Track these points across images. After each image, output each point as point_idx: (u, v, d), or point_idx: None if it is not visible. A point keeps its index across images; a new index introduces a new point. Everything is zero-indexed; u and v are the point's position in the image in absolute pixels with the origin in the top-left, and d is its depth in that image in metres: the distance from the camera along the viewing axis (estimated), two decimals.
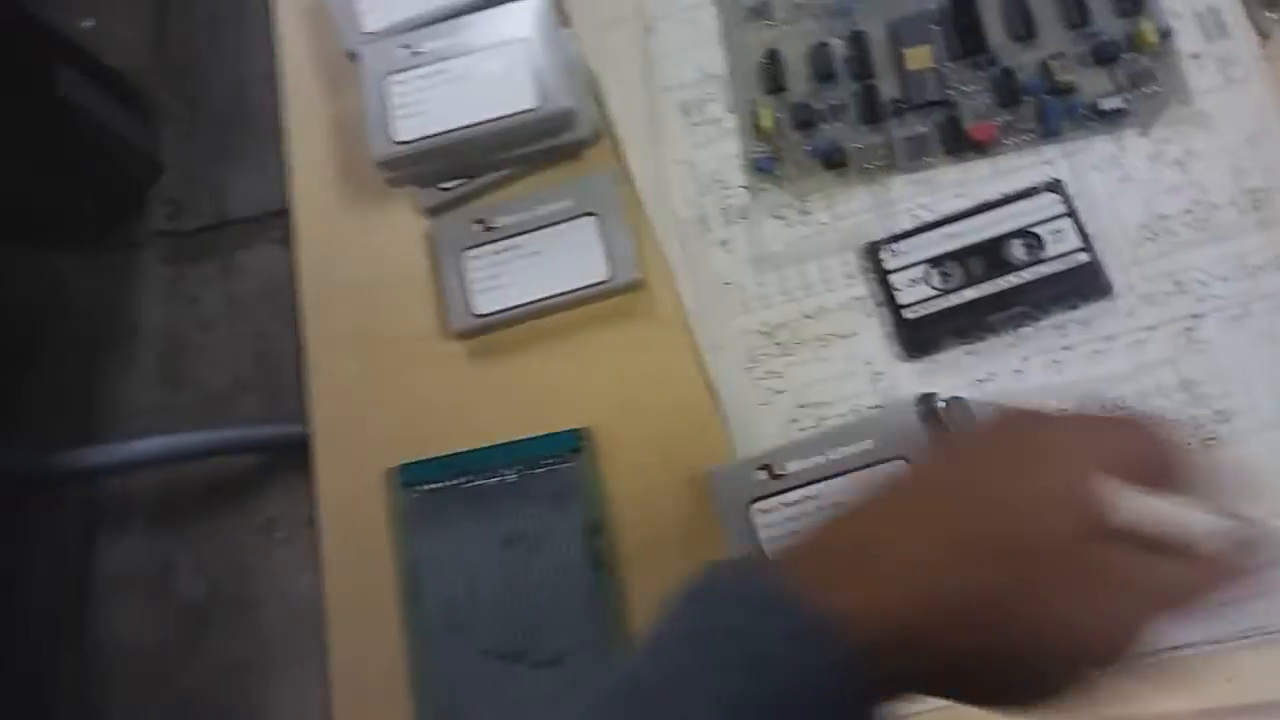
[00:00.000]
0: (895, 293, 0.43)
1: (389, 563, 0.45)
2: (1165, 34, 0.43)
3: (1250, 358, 0.41)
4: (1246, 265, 0.42)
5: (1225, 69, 0.43)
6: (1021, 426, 0.29)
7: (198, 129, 1.34)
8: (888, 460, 0.40)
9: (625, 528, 0.44)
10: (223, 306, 1.27)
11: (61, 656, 1.17)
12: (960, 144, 0.44)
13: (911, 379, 0.43)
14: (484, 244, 0.47)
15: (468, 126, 0.46)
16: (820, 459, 0.40)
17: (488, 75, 0.46)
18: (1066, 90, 0.44)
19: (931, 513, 0.28)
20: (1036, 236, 0.43)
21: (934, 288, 0.43)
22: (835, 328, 0.44)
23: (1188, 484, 0.27)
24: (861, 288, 0.44)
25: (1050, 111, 0.44)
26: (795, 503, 0.41)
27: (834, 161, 0.45)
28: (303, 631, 1.11)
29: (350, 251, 0.51)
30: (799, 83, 0.47)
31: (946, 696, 0.28)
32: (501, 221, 0.47)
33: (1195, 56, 0.44)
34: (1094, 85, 0.44)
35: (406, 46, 0.47)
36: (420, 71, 0.47)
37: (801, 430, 0.44)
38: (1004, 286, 0.42)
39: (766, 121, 0.46)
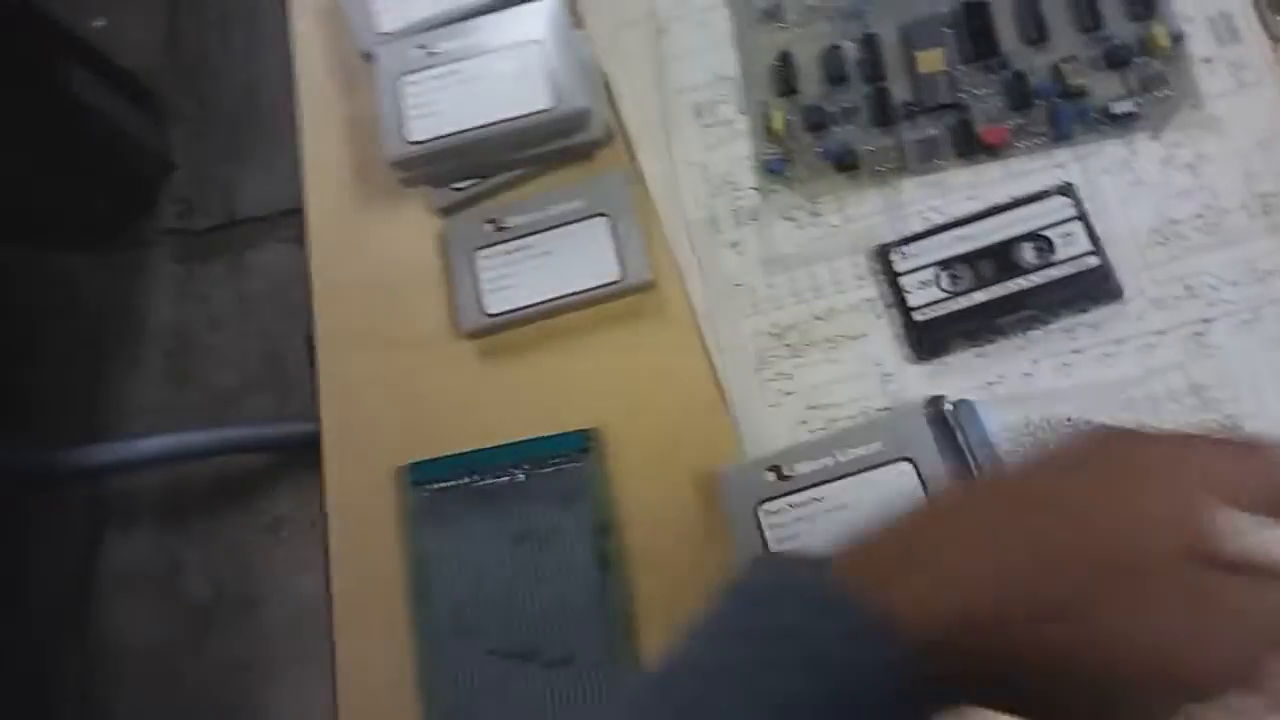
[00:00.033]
0: (905, 295, 0.44)
1: (397, 561, 0.46)
2: (1177, 38, 0.44)
3: (1260, 363, 0.41)
4: (1257, 270, 0.42)
5: (1237, 73, 0.43)
6: (1125, 444, 0.28)
7: (208, 128, 1.34)
8: (896, 462, 0.40)
9: (633, 528, 0.44)
10: (232, 306, 1.27)
11: (66, 655, 1.17)
12: (971, 147, 0.44)
13: (921, 381, 0.43)
14: (496, 244, 0.47)
15: (481, 127, 0.46)
16: (829, 460, 0.41)
17: (502, 76, 0.46)
18: (1078, 94, 0.44)
19: (1008, 519, 0.26)
20: (1047, 240, 0.43)
21: (944, 290, 0.43)
22: (845, 329, 0.44)
23: None
24: (872, 290, 0.45)
25: (1062, 115, 0.44)
26: (803, 504, 0.41)
27: (845, 164, 0.45)
28: (308, 631, 1.11)
29: (362, 251, 0.51)
30: (811, 85, 0.47)
31: (1009, 714, 0.27)
32: (513, 221, 0.48)
33: (1207, 61, 0.44)
34: (1106, 89, 0.44)
35: (421, 47, 0.47)
36: (434, 72, 0.47)
37: (811, 432, 0.44)
38: (1014, 289, 0.43)
39: (778, 123, 0.46)
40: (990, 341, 0.43)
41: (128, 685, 1.16)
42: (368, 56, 0.49)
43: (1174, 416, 0.41)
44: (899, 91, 0.46)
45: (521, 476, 0.45)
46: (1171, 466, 0.26)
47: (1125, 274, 0.42)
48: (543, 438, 0.45)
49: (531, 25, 0.47)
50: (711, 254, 0.47)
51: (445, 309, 0.49)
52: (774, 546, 0.40)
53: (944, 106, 0.45)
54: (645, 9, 0.50)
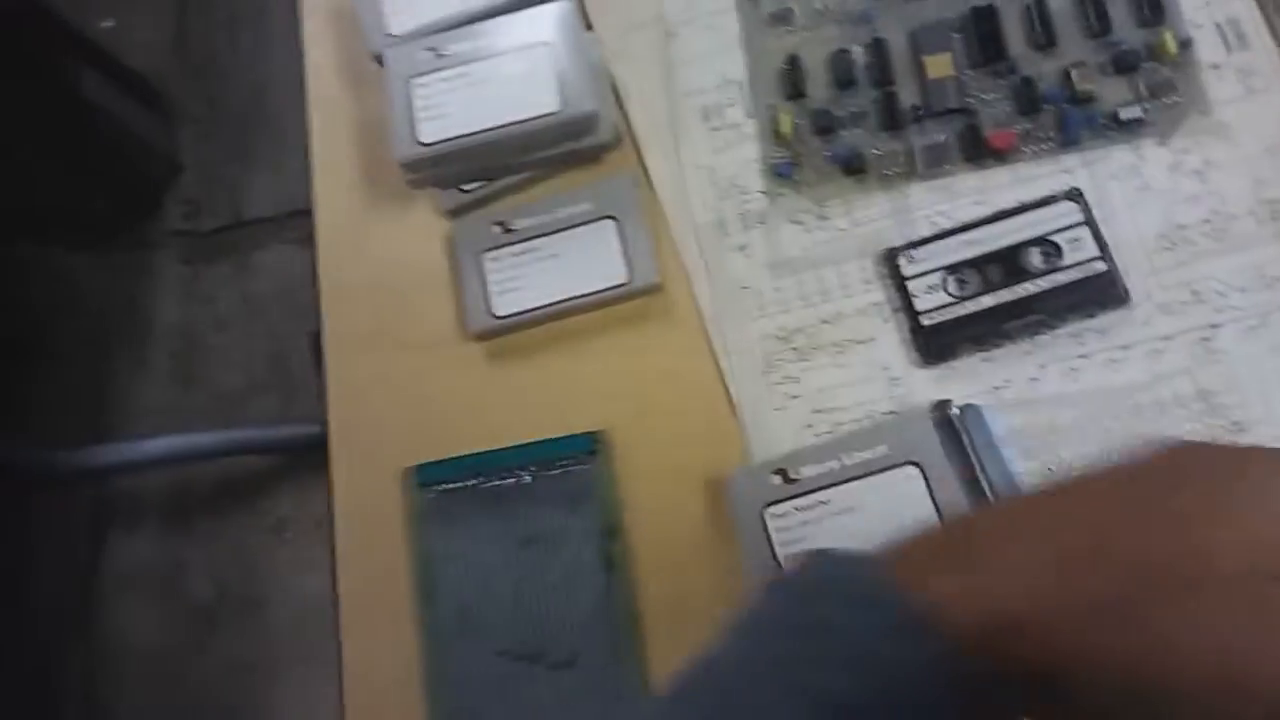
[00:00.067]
0: (913, 299, 0.44)
1: (404, 562, 0.46)
2: (1185, 44, 0.44)
3: (1268, 368, 0.41)
4: (1265, 276, 0.42)
5: (1245, 79, 0.44)
6: (1196, 454, 0.27)
7: (216, 129, 1.35)
8: (903, 466, 0.40)
9: (640, 530, 0.44)
10: (238, 307, 1.28)
11: (70, 655, 1.18)
12: (979, 152, 0.45)
13: (928, 385, 0.43)
14: (503, 246, 0.48)
15: (490, 129, 0.46)
16: (835, 464, 0.41)
17: (511, 78, 0.47)
18: (1086, 99, 0.44)
19: (1065, 520, 0.26)
20: (1054, 245, 0.43)
21: (951, 294, 0.43)
22: (852, 333, 0.45)
23: None
24: (879, 294, 0.45)
25: (1070, 120, 0.44)
26: (809, 507, 0.41)
27: (853, 168, 0.46)
28: (311, 632, 1.11)
29: (370, 252, 0.51)
30: (819, 89, 0.47)
31: None
32: (521, 224, 0.48)
33: (1215, 67, 0.44)
34: (1114, 95, 0.44)
35: (431, 49, 0.48)
36: (444, 74, 0.47)
37: (817, 435, 0.44)
38: (1021, 294, 0.43)
39: (786, 127, 0.46)
40: (997, 346, 0.43)
41: (131, 685, 1.16)
42: (378, 58, 0.49)
43: (1181, 422, 0.41)
44: (907, 96, 0.46)
45: (528, 478, 0.45)
46: (1244, 479, 0.26)
47: (1132, 279, 0.42)
48: (549, 440, 0.45)
49: (541, 28, 0.47)
50: (719, 257, 0.47)
51: (453, 311, 0.49)
52: (780, 549, 0.40)
53: (952, 111, 0.45)
54: (654, 12, 0.50)
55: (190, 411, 1.24)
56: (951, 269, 0.43)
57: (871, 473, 0.40)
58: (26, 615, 1.18)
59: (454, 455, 0.46)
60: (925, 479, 0.39)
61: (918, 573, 0.26)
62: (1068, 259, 0.42)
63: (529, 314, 0.47)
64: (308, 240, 0.52)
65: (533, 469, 0.45)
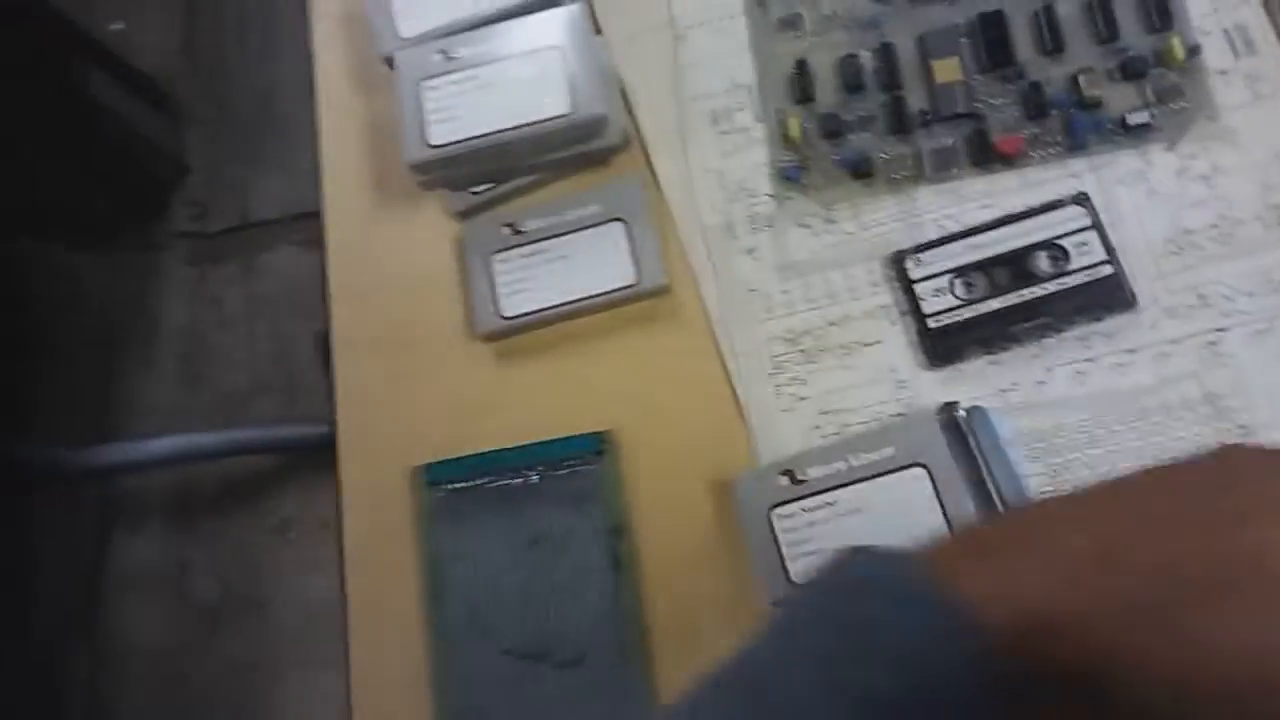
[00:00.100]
0: (920, 302, 0.44)
1: (412, 561, 0.46)
2: (1193, 50, 0.44)
3: (1274, 372, 0.41)
4: (1272, 280, 0.42)
5: (1253, 85, 0.44)
6: (1260, 458, 0.26)
7: (223, 132, 1.35)
8: (910, 467, 0.40)
9: (647, 530, 0.45)
10: (243, 308, 1.28)
11: (73, 654, 1.18)
12: (987, 156, 0.45)
13: (934, 388, 0.44)
14: (512, 247, 0.48)
15: (500, 131, 0.46)
16: (842, 465, 0.41)
17: (521, 81, 0.47)
18: (1094, 104, 0.44)
19: (1107, 519, 0.26)
20: (1061, 249, 0.43)
21: (958, 298, 0.43)
22: (859, 336, 0.45)
23: None
24: (886, 296, 0.45)
25: (1077, 125, 0.44)
26: (816, 508, 0.41)
27: (861, 171, 0.46)
28: (315, 632, 1.11)
29: (379, 253, 0.51)
30: (827, 93, 0.47)
31: None
32: (530, 225, 0.48)
33: (1223, 73, 0.44)
34: (1121, 100, 0.44)
35: (442, 52, 0.48)
36: (454, 77, 0.47)
37: (824, 437, 0.44)
38: (1028, 297, 0.43)
39: (794, 131, 0.47)
40: (1004, 349, 0.43)
41: (134, 684, 1.16)
42: (388, 61, 0.50)
43: (1187, 426, 0.41)
44: (915, 100, 0.46)
45: (536, 478, 0.46)
46: None
47: (1139, 283, 0.42)
48: (557, 440, 0.46)
49: (550, 31, 0.47)
50: (727, 259, 0.47)
51: (461, 311, 0.49)
52: (787, 550, 0.41)
53: (960, 116, 0.45)
54: (663, 16, 0.50)
55: (195, 411, 1.24)
56: (959, 272, 0.44)
57: (878, 474, 0.40)
58: (30, 614, 1.19)
59: (462, 455, 0.46)
60: (932, 481, 0.39)
61: (955, 571, 0.26)
62: (1075, 263, 0.43)
63: (537, 315, 0.47)
64: (314, 242, 0.52)
65: (540, 469, 0.46)
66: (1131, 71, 0.44)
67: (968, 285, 0.43)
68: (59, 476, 1.11)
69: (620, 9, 0.51)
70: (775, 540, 0.41)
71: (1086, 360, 0.42)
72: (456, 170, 0.48)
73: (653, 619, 0.43)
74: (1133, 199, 0.44)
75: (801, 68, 0.47)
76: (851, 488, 0.40)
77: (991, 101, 0.45)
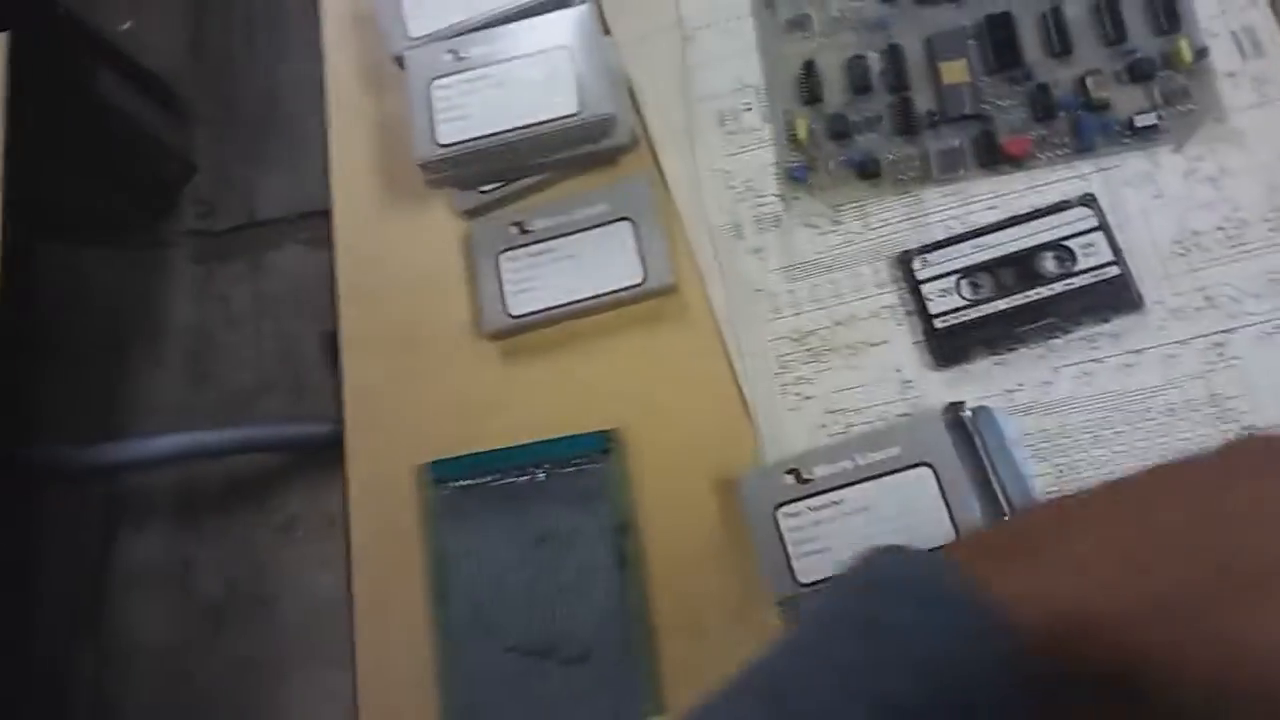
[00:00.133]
0: (926, 302, 0.44)
1: (418, 559, 0.46)
2: (1201, 52, 0.44)
3: None
4: (1278, 282, 0.42)
5: (1260, 87, 0.44)
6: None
7: (231, 131, 1.36)
8: (915, 467, 0.40)
9: (652, 528, 0.45)
10: (250, 306, 1.28)
11: (79, 652, 1.18)
12: (994, 157, 0.45)
13: (940, 388, 0.44)
14: (520, 246, 0.48)
15: (509, 131, 0.47)
16: (848, 464, 0.41)
17: (530, 81, 0.47)
18: (1101, 106, 0.44)
19: (1137, 515, 0.25)
20: (1068, 250, 0.43)
21: (965, 298, 0.44)
22: (866, 336, 0.45)
23: None
24: (892, 297, 0.45)
25: (1085, 127, 0.44)
26: (822, 507, 0.41)
27: (868, 172, 0.46)
28: (321, 630, 1.12)
29: (387, 252, 0.51)
30: (835, 94, 0.47)
31: None
32: (538, 225, 0.48)
33: (1231, 75, 0.44)
34: (1129, 102, 0.44)
35: (451, 52, 0.48)
36: (464, 76, 0.48)
37: (830, 436, 0.44)
38: (1035, 298, 0.43)
39: (802, 132, 0.47)
40: (1010, 350, 0.43)
41: (139, 682, 1.17)
42: (398, 61, 0.50)
43: (1193, 427, 0.41)
44: (922, 101, 0.46)
45: (542, 476, 0.46)
46: None
47: (1146, 284, 0.42)
48: (563, 438, 0.46)
49: (559, 32, 0.48)
50: (733, 259, 0.47)
51: (469, 310, 0.49)
52: (792, 549, 0.41)
53: (967, 117, 0.45)
54: (672, 17, 0.51)
55: (201, 409, 1.25)
56: (965, 273, 0.44)
57: (884, 473, 0.40)
58: (36, 611, 1.19)
59: (468, 453, 0.46)
60: (938, 480, 0.39)
61: (984, 571, 0.25)
62: (1082, 264, 0.43)
63: (544, 313, 0.47)
64: (320, 241, 0.52)
65: (547, 467, 0.46)
66: (1139, 73, 0.44)
67: (974, 286, 0.44)
68: (65, 474, 1.12)
69: (629, 10, 0.51)
70: (781, 539, 0.41)
71: (1093, 361, 0.43)
72: (465, 169, 0.49)
73: (658, 617, 0.43)
74: (1140, 200, 0.44)
75: (809, 69, 0.48)
76: (857, 487, 0.41)
77: (999, 103, 0.45)
